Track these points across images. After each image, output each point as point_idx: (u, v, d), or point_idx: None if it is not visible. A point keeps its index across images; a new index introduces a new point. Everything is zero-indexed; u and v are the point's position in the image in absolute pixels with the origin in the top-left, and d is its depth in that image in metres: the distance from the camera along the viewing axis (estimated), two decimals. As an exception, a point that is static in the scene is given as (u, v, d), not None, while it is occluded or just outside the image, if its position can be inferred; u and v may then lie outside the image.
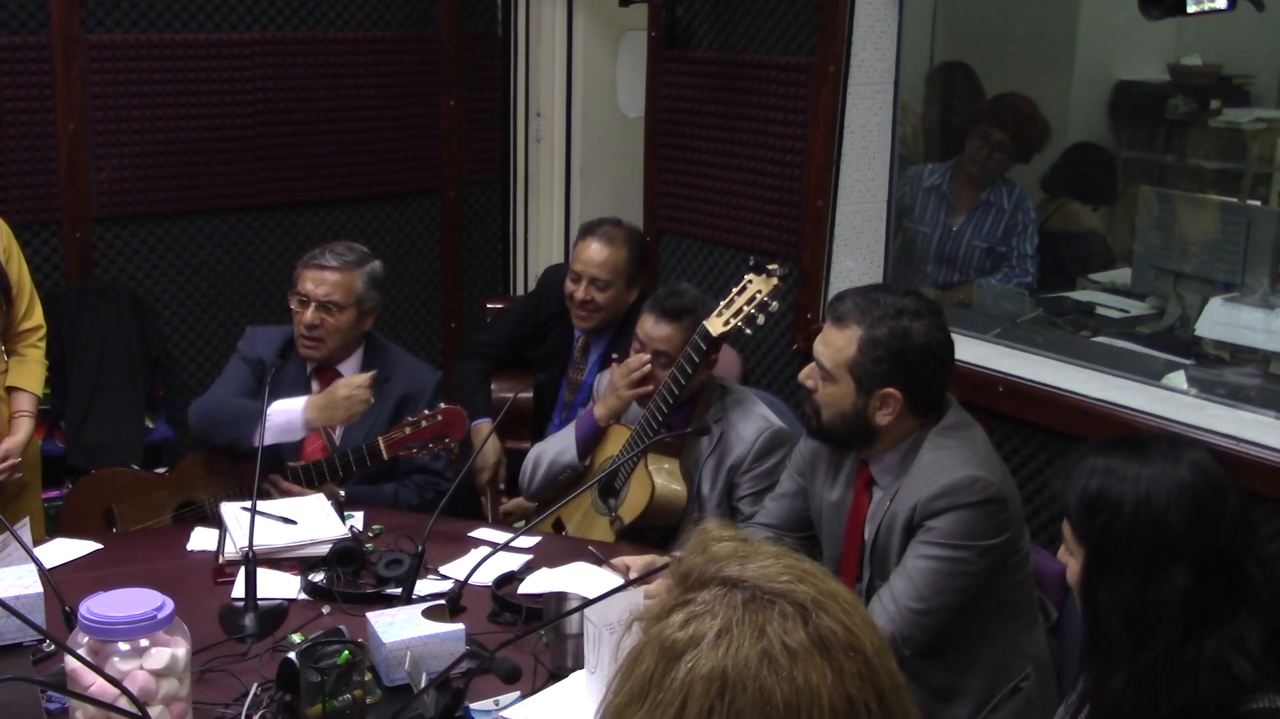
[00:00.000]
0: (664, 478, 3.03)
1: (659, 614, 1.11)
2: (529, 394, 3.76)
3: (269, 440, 2.94)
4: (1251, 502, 2.77)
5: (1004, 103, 4.03)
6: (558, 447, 3.25)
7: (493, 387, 3.83)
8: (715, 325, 2.95)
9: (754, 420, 3.06)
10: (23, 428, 3.20)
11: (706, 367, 3.04)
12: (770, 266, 2.92)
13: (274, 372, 3.16)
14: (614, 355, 3.36)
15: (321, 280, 3.21)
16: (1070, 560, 1.87)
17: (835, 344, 2.46)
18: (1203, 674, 1.70)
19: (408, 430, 3.00)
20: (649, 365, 3.11)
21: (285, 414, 3.04)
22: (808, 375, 2.53)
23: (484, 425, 3.68)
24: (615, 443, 3.15)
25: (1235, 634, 1.71)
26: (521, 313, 3.92)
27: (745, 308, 2.91)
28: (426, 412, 3.03)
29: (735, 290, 2.95)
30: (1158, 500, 1.76)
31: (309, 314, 3.20)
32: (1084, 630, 1.87)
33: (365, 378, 3.07)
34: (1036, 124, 3.99)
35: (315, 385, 3.25)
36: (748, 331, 2.94)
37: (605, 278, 3.58)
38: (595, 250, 3.59)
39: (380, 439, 3.01)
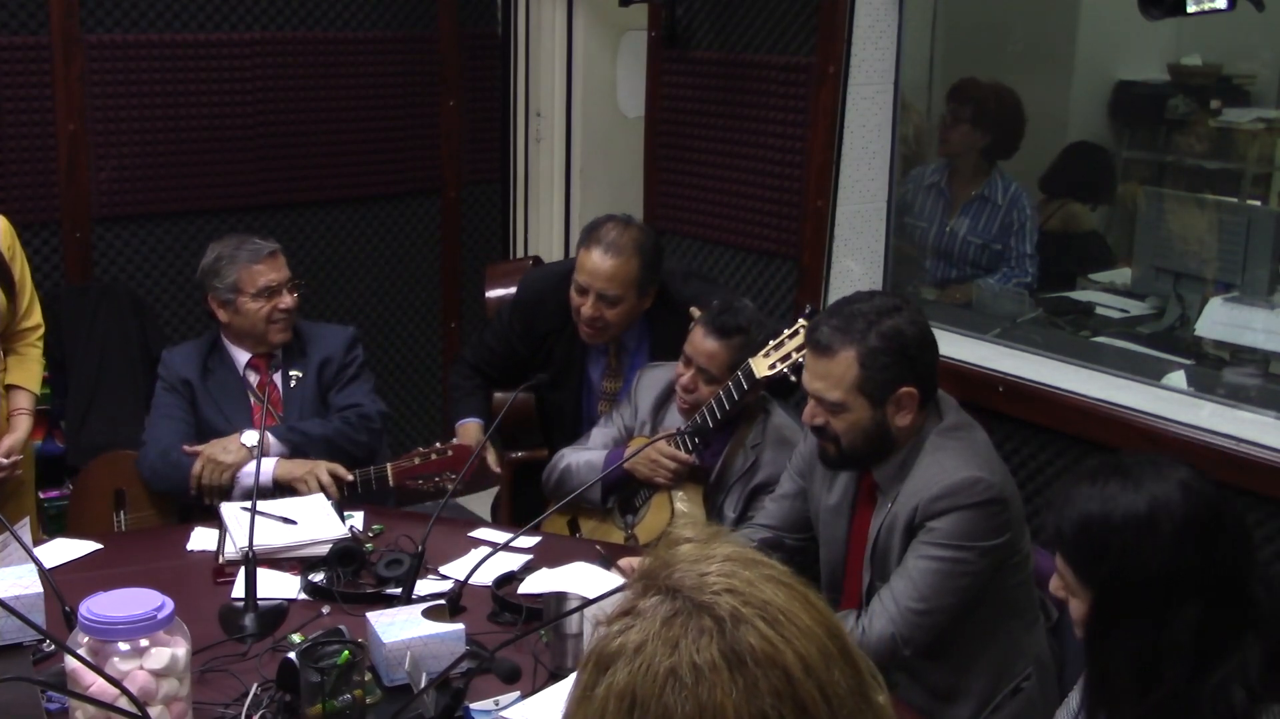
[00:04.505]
0: (684, 504, 2.99)
1: (609, 619, 1.08)
2: (528, 397, 3.48)
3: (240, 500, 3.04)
4: (1251, 503, 2.78)
5: (959, 89, 3.96)
6: (585, 477, 3.07)
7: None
8: (760, 366, 2.84)
9: (788, 455, 2.94)
10: (22, 425, 3.21)
11: (748, 400, 2.96)
12: None
13: (277, 372, 3.23)
14: (666, 423, 3.12)
15: (282, 267, 3.30)
16: (1073, 601, 1.81)
17: (833, 373, 2.41)
18: (1205, 710, 1.65)
19: (417, 460, 3.07)
20: (683, 466, 2.97)
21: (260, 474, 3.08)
22: (812, 415, 2.47)
23: (471, 424, 3.47)
24: (659, 512, 3.04)
25: (1239, 662, 1.66)
26: (507, 333, 3.53)
27: (795, 354, 2.78)
28: (438, 444, 3.09)
29: (787, 333, 2.81)
30: (1162, 538, 1.70)
31: (288, 298, 3.27)
32: (1088, 674, 1.81)
33: (330, 483, 3.06)
34: (998, 96, 3.92)
35: (253, 378, 3.28)
36: (793, 378, 2.76)
37: (614, 293, 3.21)
38: (602, 263, 3.19)
39: (389, 466, 3.09)
